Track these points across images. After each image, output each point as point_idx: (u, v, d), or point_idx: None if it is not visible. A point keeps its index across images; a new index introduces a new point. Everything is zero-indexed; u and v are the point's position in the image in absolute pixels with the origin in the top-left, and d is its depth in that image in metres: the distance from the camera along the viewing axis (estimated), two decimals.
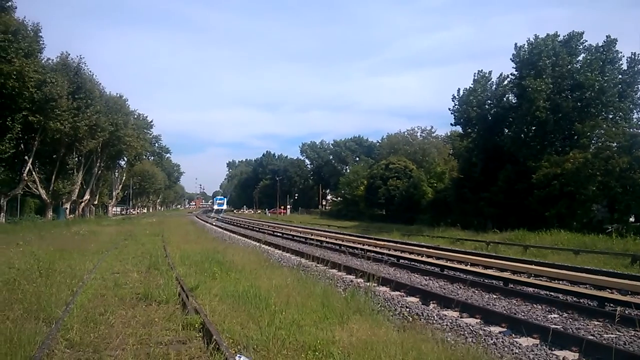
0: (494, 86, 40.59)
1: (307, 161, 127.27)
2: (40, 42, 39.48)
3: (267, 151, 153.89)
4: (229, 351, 5.58)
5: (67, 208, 51.95)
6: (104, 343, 6.21)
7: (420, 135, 77.18)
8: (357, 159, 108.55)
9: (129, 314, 7.81)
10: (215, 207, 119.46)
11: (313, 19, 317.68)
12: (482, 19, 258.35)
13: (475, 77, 40.83)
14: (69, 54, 45.48)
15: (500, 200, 35.54)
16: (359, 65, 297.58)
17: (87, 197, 58.08)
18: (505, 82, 39.78)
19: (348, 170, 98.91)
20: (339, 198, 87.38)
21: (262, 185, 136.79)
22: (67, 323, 6.99)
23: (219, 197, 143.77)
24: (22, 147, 42.19)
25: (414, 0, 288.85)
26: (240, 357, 5.42)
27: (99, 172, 61.20)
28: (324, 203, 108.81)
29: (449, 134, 64.37)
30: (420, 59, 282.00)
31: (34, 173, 43.08)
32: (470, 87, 40.79)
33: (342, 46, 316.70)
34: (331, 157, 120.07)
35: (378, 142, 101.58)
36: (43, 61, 40.88)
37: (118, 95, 58.77)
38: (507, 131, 38.61)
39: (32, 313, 7.48)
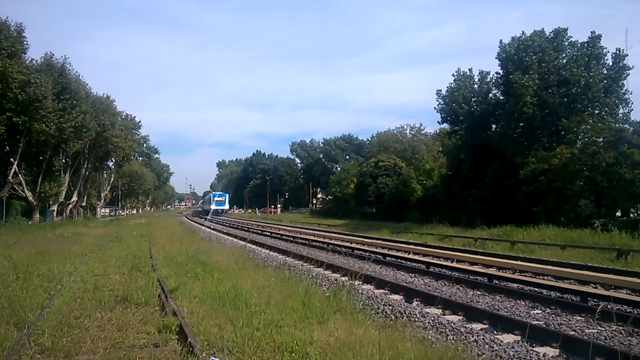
0: (477, 84, 40.64)
1: (298, 160, 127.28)
2: (24, 42, 39.10)
3: (257, 150, 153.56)
4: (202, 354, 5.47)
5: (54, 210, 51.43)
6: (76, 347, 6.07)
7: (410, 133, 77.26)
8: (347, 157, 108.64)
9: (105, 317, 7.65)
10: (213, 206, 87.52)
11: (307, 18, 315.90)
12: (476, 16, 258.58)
13: (456, 77, 40.83)
14: (53, 54, 45.02)
15: (489, 197, 35.65)
16: (353, 64, 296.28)
17: (74, 198, 57.50)
18: (489, 79, 39.98)
19: (338, 169, 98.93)
20: (329, 196, 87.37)
21: (252, 185, 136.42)
22: (40, 327, 6.83)
23: (217, 192, 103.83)
24: (7, 148, 41.74)
25: None
26: None
27: (87, 173, 60.65)
28: (314, 202, 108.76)
29: (438, 131, 64.56)
30: (414, 57, 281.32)
31: (19, 175, 42.55)
32: (452, 85, 40.78)
33: (335, 44, 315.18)
34: (321, 155, 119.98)
35: (368, 140, 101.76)
36: (27, 62, 40.45)
37: (105, 95, 58.34)
38: (494, 127, 38.76)
39: (3, 318, 7.31)
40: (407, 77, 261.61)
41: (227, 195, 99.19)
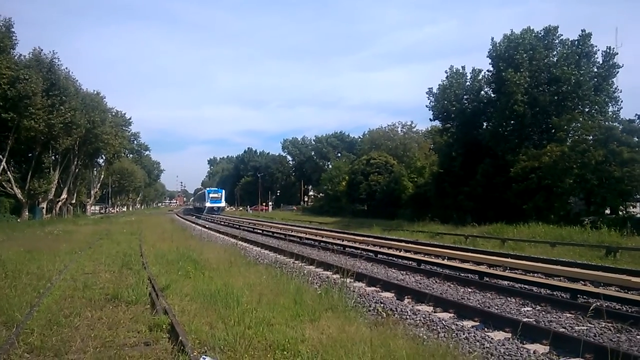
0: (469, 81, 40.73)
1: (289, 157, 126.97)
2: (13, 37, 38.66)
3: (248, 148, 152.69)
4: (193, 353, 5.44)
5: (43, 207, 50.92)
6: (66, 346, 6.01)
7: (401, 131, 77.44)
8: (339, 154, 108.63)
9: (95, 316, 7.60)
10: (208, 204, 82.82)
11: (302, 15, 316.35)
12: (469, 14, 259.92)
13: (448, 74, 40.89)
14: (42, 50, 44.49)
15: (479, 194, 35.81)
16: (347, 61, 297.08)
17: (64, 196, 57.01)
18: (480, 77, 40.09)
19: (330, 166, 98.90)
20: (320, 194, 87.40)
21: (243, 182, 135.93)
22: (29, 326, 6.77)
23: (212, 188, 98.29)
24: None
25: None
26: (204, 359, 5.29)
27: (77, 170, 60.12)
28: (306, 199, 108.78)
29: (429, 128, 64.68)
30: (407, 54, 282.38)
31: (8, 172, 42.15)
32: (444, 82, 40.84)
33: (330, 41, 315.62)
34: (313, 153, 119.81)
35: (360, 137, 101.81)
36: (16, 57, 39.99)
37: (95, 92, 57.75)
38: (485, 125, 38.95)
39: None
40: (400, 74, 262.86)
41: (224, 191, 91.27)
